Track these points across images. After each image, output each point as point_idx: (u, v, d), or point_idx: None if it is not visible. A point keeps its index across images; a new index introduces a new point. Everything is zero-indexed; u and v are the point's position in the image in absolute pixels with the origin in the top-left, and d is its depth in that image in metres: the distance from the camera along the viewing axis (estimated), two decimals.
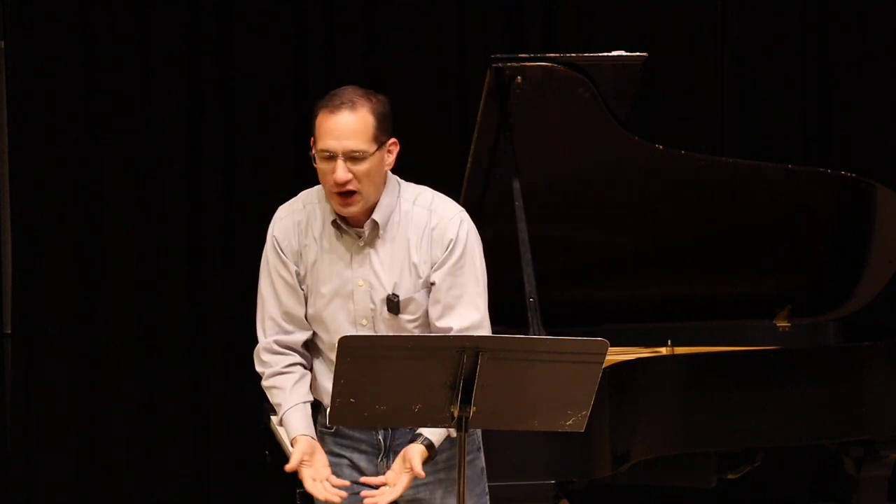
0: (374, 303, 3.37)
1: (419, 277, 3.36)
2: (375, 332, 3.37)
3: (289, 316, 3.42)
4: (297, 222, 3.42)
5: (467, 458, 3.34)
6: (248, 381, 5.96)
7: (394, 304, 3.35)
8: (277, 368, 3.43)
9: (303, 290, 3.41)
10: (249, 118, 6.02)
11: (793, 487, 6.49)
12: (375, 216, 3.34)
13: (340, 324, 3.37)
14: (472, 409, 3.09)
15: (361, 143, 3.27)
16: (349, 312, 3.37)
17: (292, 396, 3.41)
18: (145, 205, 5.95)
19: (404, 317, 3.37)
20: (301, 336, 3.44)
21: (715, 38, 6.39)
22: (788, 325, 5.23)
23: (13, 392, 5.93)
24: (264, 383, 3.47)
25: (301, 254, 3.40)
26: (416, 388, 3.09)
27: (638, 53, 4.63)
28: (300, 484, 4.08)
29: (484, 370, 3.05)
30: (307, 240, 3.40)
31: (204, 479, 6.02)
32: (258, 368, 3.48)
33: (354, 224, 3.36)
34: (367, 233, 3.35)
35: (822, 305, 5.26)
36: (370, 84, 5.95)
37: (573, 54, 4.67)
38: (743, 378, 4.64)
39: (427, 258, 3.35)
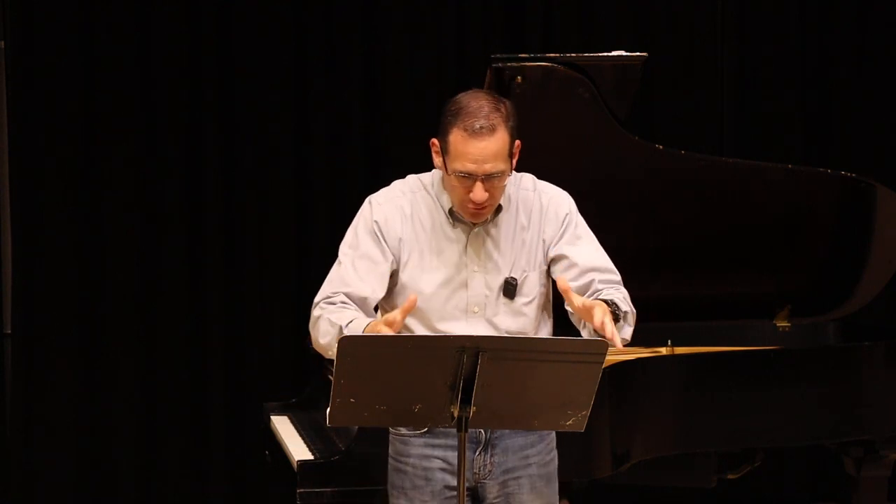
0: (489, 288, 3.39)
1: (532, 257, 3.40)
2: (486, 318, 3.38)
3: (362, 301, 3.33)
4: (399, 207, 3.40)
5: (547, 458, 3.50)
6: (248, 381, 6.01)
7: (511, 288, 3.37)
8: (336, 304, 3.33)
9: (397, 281, 3.38)
10: (249, 118, 6.01)
11: (793, 487, 6.49)
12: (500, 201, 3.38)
13: (449, 313, 3.37)
14: (472, 409, 3.08)
15: (500, 163, 3.27)
16: (461, 300, 3.38)
17: (356, 315, 3.29)
18: (145, 205, 5.94)
19: (520, 299, 3.39)
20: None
21: (715, 38, 6.39)
22: (788, 325, 5.24)
23: (13, 392, 5.92)
24: (315, 313, 3.33)
25: (404, 241, 3.38)
26: (416, 388, 3.09)
27: (638, 53, 4.64)
28: (300, 484, 4.10)
29: (484, 370, 3.05)
30: (413, 227, 3.39)
31: (204, 479, 6.01)
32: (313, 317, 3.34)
33: None
34: (489, 219, 3.37)
35: (822, 305, 5.26)
36: (370, 84, 6.08)
37: (573, 54, 4.68)
38: (743, 378, 4.64)
39: (538, 237, 3.41)
